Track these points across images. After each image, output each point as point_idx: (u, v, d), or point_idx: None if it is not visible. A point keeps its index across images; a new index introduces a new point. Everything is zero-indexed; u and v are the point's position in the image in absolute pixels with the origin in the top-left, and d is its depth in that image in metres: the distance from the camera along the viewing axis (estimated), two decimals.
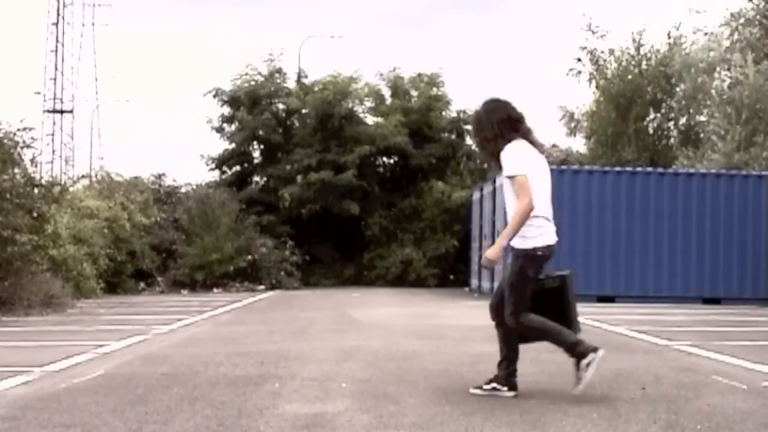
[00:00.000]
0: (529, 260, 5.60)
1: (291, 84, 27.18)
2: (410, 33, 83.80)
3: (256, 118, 25.52)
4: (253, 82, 26.18)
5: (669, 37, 27.36)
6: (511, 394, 5.66)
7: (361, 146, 24.76)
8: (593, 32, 27.96)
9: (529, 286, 5.61)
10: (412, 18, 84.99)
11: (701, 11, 26.39)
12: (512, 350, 5.77)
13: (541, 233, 5.65)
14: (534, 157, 5.77)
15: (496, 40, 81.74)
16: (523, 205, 5.53)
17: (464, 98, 53.18)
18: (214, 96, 26.13)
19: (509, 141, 5.68)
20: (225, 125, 26.45)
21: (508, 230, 5.53)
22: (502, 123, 5.72)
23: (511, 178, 5.60)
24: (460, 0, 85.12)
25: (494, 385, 5.73)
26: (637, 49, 27.45)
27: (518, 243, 5.60)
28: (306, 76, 27.57)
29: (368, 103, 26.77)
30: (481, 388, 5.76)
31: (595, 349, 5.55)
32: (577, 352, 5.54)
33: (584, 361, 5.52)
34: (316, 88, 26.01)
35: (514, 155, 5.64)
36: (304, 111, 26.05)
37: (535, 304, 5.62)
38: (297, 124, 26.51)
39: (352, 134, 25.11)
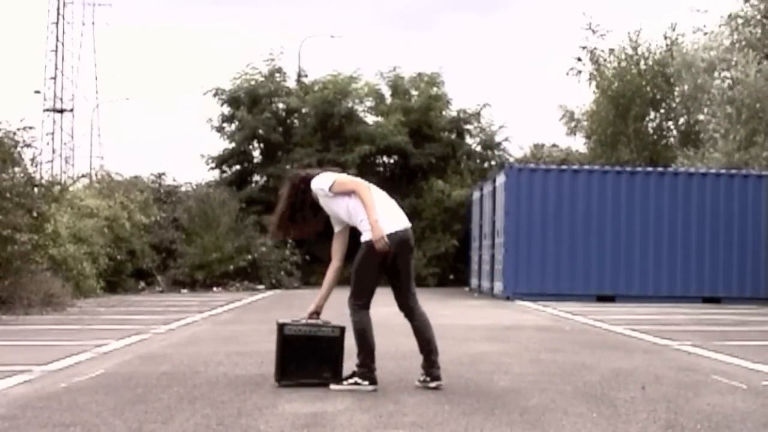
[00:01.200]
0: (372, 249, 5.80)
1: (291, 83, 27.21)
2: (411, 32, 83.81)
3: (256, 117, 25.54)
4: (253, 82, 26.19)
5: (665, 38, 27.38)
6: (435, 384, 5.89)
7: (361, 146, 24.76)
8: (593, 31, 27.99)
9: (372, 274, 5.90)
10: (413, 17, 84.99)
11: (702, 10, 26.42)
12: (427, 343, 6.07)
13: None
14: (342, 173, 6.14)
15: (496, 40, 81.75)
16: (359, 187, 5.88)
17: (465, 97, 53.27)
18: (214, 95, 26.15)
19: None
20: (225, 125, 26.46)
21: (369, 211, 5.78)
22: (297, 183, 6.14)
23: (331, 188, 5.94)
24: (461, 0, 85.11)
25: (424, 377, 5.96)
26: (635, 48, 27.46)
27: (364, 236, 5.87)
28: (306, 75, 27.60)
29: (368, 103, 26.78)
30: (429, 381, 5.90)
31: (372, 382, 5.79)
32: (361, 371, 5.81)
33: (355, 379, 5.81)
34: (316, 88, 26.01)
35: (320, 177, 6.03)
36: (304, 110, 26.05)
37: (310, 347, 5.99)
38: (297, 123, 26.50)
39: (352, 134, 25.11)
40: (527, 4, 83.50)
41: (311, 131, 25.72)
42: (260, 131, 25.84)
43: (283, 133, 25.99)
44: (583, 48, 28.08)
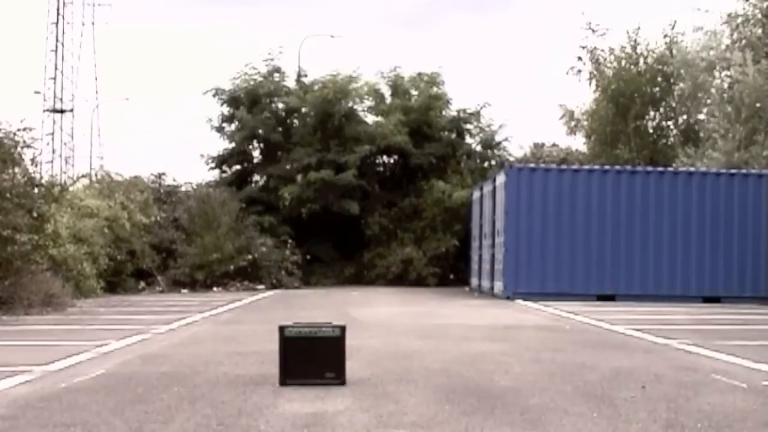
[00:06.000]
0: None
1: (291, 83, 27.22)
2: (411, 33, 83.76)
3: (255, 117, 25.54)
4: (252, 82, 26.20)
5: (665, 36, 27.36)
6: None
7: (361, 146, 24.77)
8: (593, 31, 27.95)
9: None
10: (414, 18, 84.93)
11: (703, 10, 26.33)
12: None
13: None
14: None
15: (496, 39, 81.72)
16: None
17: (465, 97, 53.23)
18: (214, 95, 26.16)
19: None
20: (225, 125, 26.49)
21: None
22: None
23: None
24: (461, 0, 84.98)
25: None
26: (634, 47, 27.45)
27: None
28: (305, 75, 27.54)
29: (368, 102, 26.76)
30: None
31: None
32: None
33: None
34: (316, 87, 26.01)
35: None
36: (303, 110, 26.04)
37: (311, 348, 5.99)
38: (297, 123, 26.49)
39: (352, 133, 25.11)
40: (527, 4, 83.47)
41: (311, 131, 25.72)
42: (260, 131, 25.85)
43: (282, 133, 25.99)
44: (583, 47, 28.07)
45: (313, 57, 62.55)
